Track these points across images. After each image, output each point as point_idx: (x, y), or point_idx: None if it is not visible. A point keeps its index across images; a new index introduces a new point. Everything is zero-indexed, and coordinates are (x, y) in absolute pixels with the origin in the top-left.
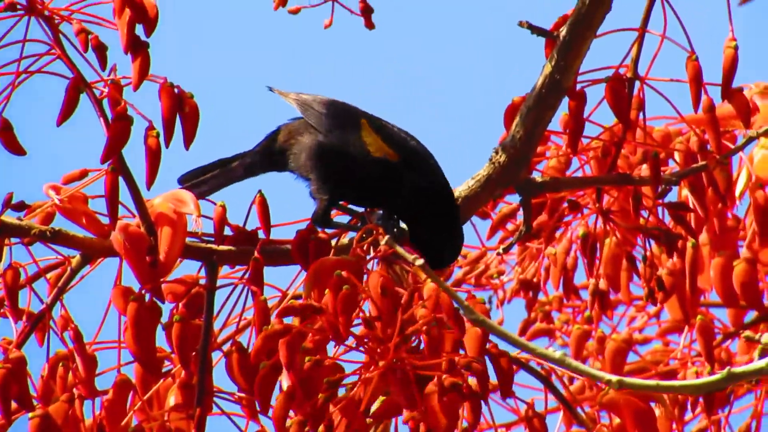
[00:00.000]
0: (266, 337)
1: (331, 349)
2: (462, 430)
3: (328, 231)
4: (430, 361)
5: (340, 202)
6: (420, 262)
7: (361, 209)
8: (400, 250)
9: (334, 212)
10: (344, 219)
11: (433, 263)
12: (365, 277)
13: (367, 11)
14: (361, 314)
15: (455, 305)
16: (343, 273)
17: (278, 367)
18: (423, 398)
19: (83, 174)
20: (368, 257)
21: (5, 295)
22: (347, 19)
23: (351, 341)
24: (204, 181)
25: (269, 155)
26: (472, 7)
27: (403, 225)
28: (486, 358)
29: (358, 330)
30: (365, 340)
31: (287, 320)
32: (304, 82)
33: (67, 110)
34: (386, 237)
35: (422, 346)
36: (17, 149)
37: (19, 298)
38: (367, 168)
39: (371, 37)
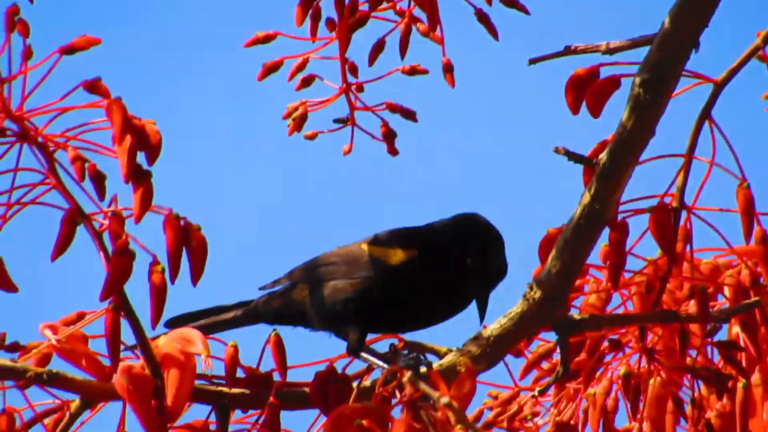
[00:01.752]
0: None
1: None
2: None
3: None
4: None
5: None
6: (445, 400)
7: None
8: (424, 387)
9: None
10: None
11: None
12: (389, 425)
13: (389, 136)
14: None
15: None
16: (364, 422)
17: None
18: None
19: (80, 317)
20: (393, 402)
21: None
22: (369, 145)
23: None
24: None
25: (282, 308)
26: (501, 132)
27: (431, 359)
28: None
29: None
30: None
31: None
32: (321, 213)
33: (63, 244)
34: (408, 373)
35: None
36: (9, 286)
37: None
38: (394, 277)
39: (393, 164)
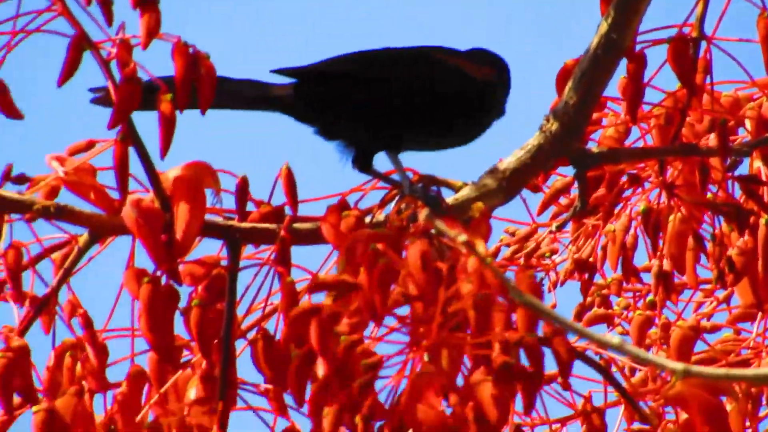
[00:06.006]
0: (295, 319)
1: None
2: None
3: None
4: (478, 340)
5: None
6: (463, 237)
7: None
8: (441, 225)
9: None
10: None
11: None
12: (404, 252)
13: None
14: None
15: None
16: (379, 245)
17: (311, 355)
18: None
19: (90, 145)
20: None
21: (6, 278)
22: None
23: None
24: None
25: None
26: None
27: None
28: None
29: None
30: (407, 320)
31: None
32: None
33: (69, 70)
34: (426, 212)
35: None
36: (13, 112)
37: (21, 280)
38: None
39: None
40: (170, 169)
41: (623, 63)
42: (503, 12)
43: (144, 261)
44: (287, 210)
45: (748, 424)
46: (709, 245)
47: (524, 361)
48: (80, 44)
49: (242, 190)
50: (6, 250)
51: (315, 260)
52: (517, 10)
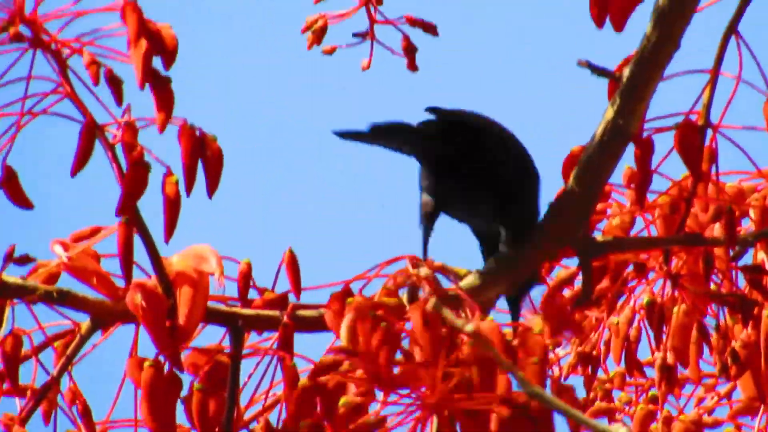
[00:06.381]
0: (299, 399)
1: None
2: None
3: None
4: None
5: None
6: (470, 327)
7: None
8: (448, 314)
9: None
10: None
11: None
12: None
13: (410, 51)
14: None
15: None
16: (379, 312)
17: (319, 428)
18: None
19: (94, 232)
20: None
21: (4, 370)
22: (388, 60)
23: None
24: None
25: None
26: (526, 48)
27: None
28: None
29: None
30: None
31: None
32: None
33: (82, 159)
34: (432, 300)
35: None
36: (23, 201)
37: (20, 370)
38: None
39: (414, 80)
40: (174, 255)
41: (629, 151)
42: (506, 106)
43: (147, 349)
44: (291, 297)
45: None
46: (713, 338)
47: None
48: (92, 132)
49: (245, 276)
50: (5, 338)
51: (319, 350)
52: (520, 102)
